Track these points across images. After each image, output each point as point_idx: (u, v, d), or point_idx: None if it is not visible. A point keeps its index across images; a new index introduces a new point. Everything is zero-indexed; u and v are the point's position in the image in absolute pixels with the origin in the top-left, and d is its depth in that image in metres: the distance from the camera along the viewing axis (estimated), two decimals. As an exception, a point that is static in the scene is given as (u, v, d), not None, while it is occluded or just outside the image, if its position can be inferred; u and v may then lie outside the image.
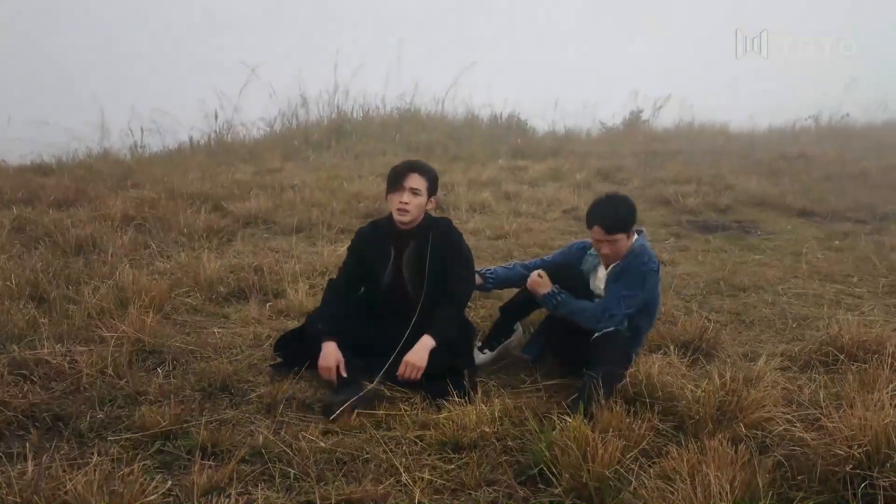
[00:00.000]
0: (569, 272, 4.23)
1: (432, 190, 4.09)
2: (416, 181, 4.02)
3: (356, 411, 3.48)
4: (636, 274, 3.97)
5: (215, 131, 12.17)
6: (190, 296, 4.85)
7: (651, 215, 8.41)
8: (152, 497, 2.63)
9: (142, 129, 11.35)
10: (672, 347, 4.08)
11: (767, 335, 4.83)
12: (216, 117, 12.15)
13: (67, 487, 2.58)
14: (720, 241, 7.33)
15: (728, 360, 4.09)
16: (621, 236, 3.95)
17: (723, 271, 6.13)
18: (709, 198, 8.93)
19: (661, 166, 10.97)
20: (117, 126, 11.29)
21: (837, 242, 7.33)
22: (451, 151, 11.77)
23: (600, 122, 15.88)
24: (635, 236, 4.07)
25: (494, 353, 4.25)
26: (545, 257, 4.56)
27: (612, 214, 3.96)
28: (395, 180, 4.05)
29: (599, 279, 4.17)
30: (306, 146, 11.54)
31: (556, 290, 4.02)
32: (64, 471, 2.74)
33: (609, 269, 4.09)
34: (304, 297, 4.87)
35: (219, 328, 4.43)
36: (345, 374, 3.80)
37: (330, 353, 3.85)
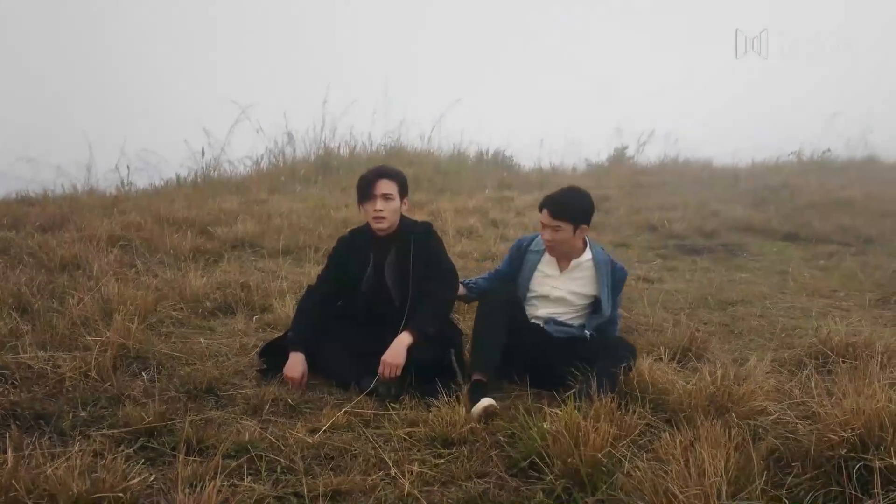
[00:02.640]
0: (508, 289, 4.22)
1: (403, 192, 4.10)
2: (386, 186, 4.02)
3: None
4: (623, 280, 4.20)
5: (202, 167, 12.19)
6: (176, 310, 4.80)
7: (638, 240, 8.45)
8: (134, 481, 2.57)
9: (128, 168, 11.34)
10: (662, 349, 4.07)
11: (757, 343, 4.82)
12: (203, 154, 12.17)
13: (48, 473, 2.52)
14: (707, 262, 7.37)
15: (718, 362, 4.07)
16: (566, 225, 3.95)
17: (710, 288, 6.15)
18: (694, 223, 8.99)
19: (646, 195, 11.06)
20: (104, 165, 11.27)
21: (823, 262, 7.38)
22: (437, 185, 11.81)
23: (585, 160, 16.03)
24: (586, 240, 4.14)
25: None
26: (498, 268, 4.50)
27: (562, 201, 3.99)
28: (366, 190, 4.04)
29: (551, 277, 4.15)
30: (293, 181, 11.55)
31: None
32: (45, 460, 2.68)
33: (569, 271, 4.13)
34: (292, 310, 4.81)
35: (205, 339, 4.38)
36: (306, 389, 3.80)
37: (297, 364, 3.84)
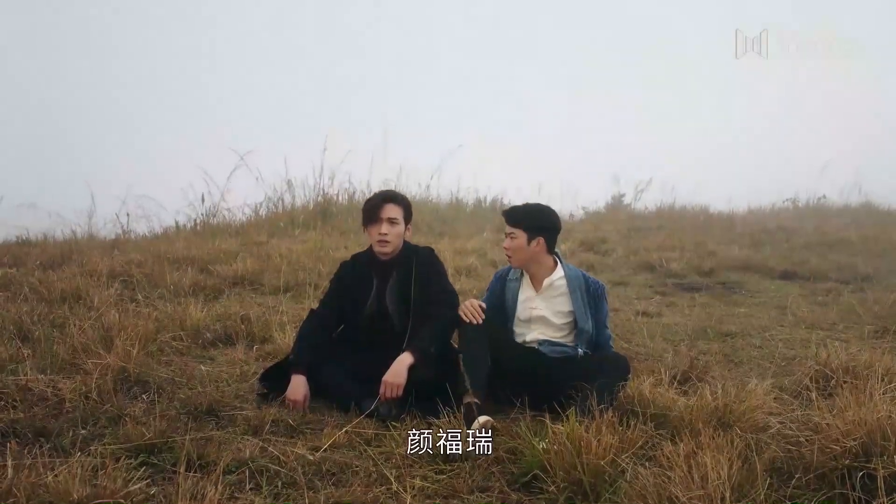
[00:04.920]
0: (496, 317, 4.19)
1: (408, 217, 4.17)
2: (392, 211, 4.09)
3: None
4: (601, 294, 4.20)
5: (202, 214, 12.25)
6: (176, 339, 4.79)
7: (636, 279, 8.47)
8: (135, 487, 2.56)
9: (128, 215, 11.40)
10: (663, 371, 4.07)
11: (757, 371, 4.81)
12: (203, 200, 12.23)
13: (48, 481, 2.51)
14: (705, 298, 7.37)
15: (719, 382, 4.07)
16: (520, 232, 4.04)
17: (709, 321, 6.16)
18: (692, 262, 9.02)
19: (644, 238, 11.11)
20: (103, 213, 11.32)
21: (821, 298, 7.39)
22: (436, 229, 11.88)
23: (582, 208, 16.13)
24: (557, 260, 4.18)
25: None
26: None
27: (519, 208, 4.15)
28: (372, 213, 4.11)
29: (530, 299, 4.16)
30: (292, 227, 11.62)
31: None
32: (45, 470, 2.67)
33: (544, 290, 4.13)
34: (292, 340, 4.80)
35: (205, 366, 4.38)
36: (308, 411, 3.79)
37: (299, 386, 3.86)
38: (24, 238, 9.31)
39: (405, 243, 4.19)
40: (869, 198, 16.55)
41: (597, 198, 16.28)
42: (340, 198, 13.90)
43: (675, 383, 4.03)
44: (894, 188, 15.25)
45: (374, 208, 4.09)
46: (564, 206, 15.66)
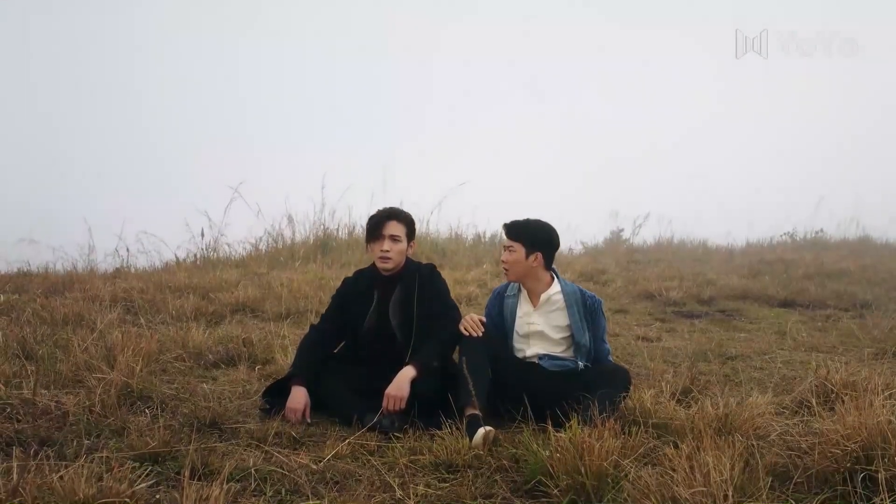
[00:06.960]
0: (495, 333, 4.22)
1: (411, 234, 4.20)
2: (394, 228, 4.14)
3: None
4: (597, 309, 4.28)
5: (202, 248, 12.28)
6: (178, 360, 4.81)
7: (636, 307, 8.49)
8: (140, 487, 2.57)
9: (128, 250, 11.43)
10: (664, 385, 4.09)
11: (757, 391, 4.81)
12: (203, 235, 12.27)
13: (54, 480, 2.52)
14: (705, 325, 7.40)
15: (720, 394, 4.08)
16: (518, 246, 4.09)
17: (709, 345, 6.17)
18: (692, 291, 9.03)
19: (643, 269, 11.16)
20: (103, 249, 11.36)
21: (820, 324, 7.41)
22: (435, 262, 11.88)
23: (581, 242, 16.18)
24: (554, 276, 4.23)
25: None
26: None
27: (518, 222, 4.17)
28: (374, 229, 4.15)
29: (528, 314, 4.20)
30: (292, 260, 11.66)
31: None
32: (51, 471, 2.68)
33: (541, 305, 4.17)
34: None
35: (207, 385, 4.38)
36: (309, 420, 3.81)
37: (299, 396, 3.87)
38: (25, 270, 9.34)
39: (408, 260, 4.24)
40: (866, 231, 16.69)
41: (595, 233, 16.39)
42: (340, 232, 13.98)
43: (677, 396, 4.05)
44: (893, 218, 15.42)
45: (376, 225, 4.13)
46: (563, 241, 15.70)
